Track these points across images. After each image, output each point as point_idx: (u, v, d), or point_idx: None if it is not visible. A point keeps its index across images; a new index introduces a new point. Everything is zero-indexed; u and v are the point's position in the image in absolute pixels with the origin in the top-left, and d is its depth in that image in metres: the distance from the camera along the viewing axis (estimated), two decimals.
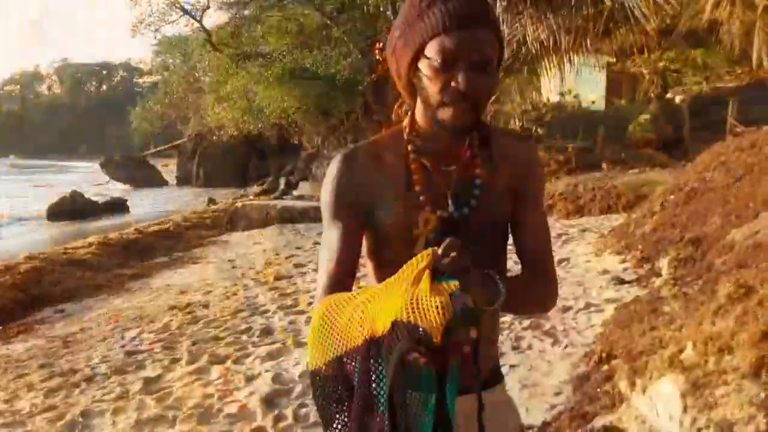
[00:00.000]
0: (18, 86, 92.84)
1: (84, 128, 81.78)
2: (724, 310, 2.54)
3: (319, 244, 7.37)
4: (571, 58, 8.20)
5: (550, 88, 11.81)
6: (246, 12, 30.57)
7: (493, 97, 1.28)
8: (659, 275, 5.46)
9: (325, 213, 1.34)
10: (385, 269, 1.32)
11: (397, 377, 0.99)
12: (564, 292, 5.41)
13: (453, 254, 1.04)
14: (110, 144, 66.70)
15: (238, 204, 15.38)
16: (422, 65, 1.21)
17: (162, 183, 37.08)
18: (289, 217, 13.41)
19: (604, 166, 13.74)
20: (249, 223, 13.54)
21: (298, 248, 9.92)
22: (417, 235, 1.27)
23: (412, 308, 0.99)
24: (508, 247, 1.39)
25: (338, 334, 1.10)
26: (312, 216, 13.59)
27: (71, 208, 21.21)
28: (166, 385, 4.26)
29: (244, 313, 6.10)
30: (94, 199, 23.06)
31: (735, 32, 8.47)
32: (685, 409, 1.99)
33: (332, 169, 1.33)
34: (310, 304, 6.20)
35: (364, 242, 1.36)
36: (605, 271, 6.12)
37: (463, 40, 1.16)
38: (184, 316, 6.23)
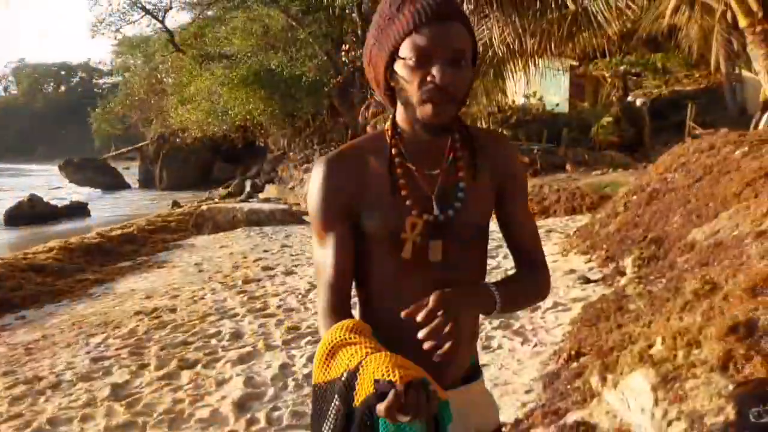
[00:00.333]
0: None
1: (41, 130, 79.81)
2: (690, 305, 2.62)
3: (287, 246, 7.34)
4: (536, 61, 8.33)
5: (515, 90, 11.96)
6: (209, 12, 30.31)
7: (469, 93, 1.29)
8: (624, 274, 5.57)
9: (316, 223, 1.32)
10: (373, 275, 1.34)
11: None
12: None
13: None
14: (69, 146, 65.23)
15: (204, 207, 15.21)
16: (398, 67, 1.22)
17: (124, 186, 36.44)
18: (256, 220, 13.33)
19: (568, 167, 13.99)
20: (215, 226, 13.41)
21: (265, 251, 9.85)
22: (404, 239, 1.28)
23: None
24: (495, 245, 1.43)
25: (336, 363, 1.13)
26: (279, 218, 13.53)
27: (29, 213, 20.72)
28: (135, 391, 4.18)
29: (212, 317, 6.03)
30: (53, 203, 22.56)
31: (693, 37, 8.70)
32: (656, 402, 2.05)
33: (317, 175, 1.31)
34: (279, 307, 6.17)
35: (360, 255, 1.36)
36: (571, 271, 6.22)
37: (434, 36, 1.18)
38: (151, 321, 6.14)
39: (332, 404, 1.10)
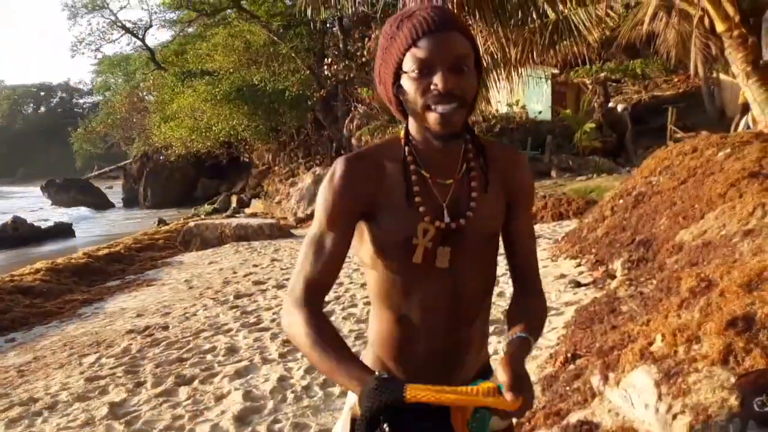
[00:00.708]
0: None
1: (22, 152, 78.93)
2: (687, 303, 2.67)
3: (277, 260, 7.35)
4: (519, 69, 8.43)
5: (498, 99, 12.09)
6: (190, 30, 30.33)
7: (477, 97, 1.32)
8: (614, 277, 5.63)
9: (322, 214, 1.33)
10: (385, 278, 1.36)
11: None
12: None
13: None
14: (50, 167, 64.67)
15: (191, 223, 15.15)
16: (403, 81, 1.26)
17: (108, 205, 36.17)
18: (244, 235, 13.31)
19: (553, 173, 14.12)
20: (203, 242, 13.37)
21: (255, 266, 9.84)
22: (416, 244, 1.31)
23: None
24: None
25: None
26: (267, 233, 13.51)
27: (13, 235, 20.50)
28: (133, 409, 4.16)
29: (206, 333, 6.01)
30: (37, 224, 22.34)
31: (671, 42, 8.85)
32: (659, 397, 2.09)
33: (335, 171, 1.33)
34: (273, 320, 6.16)
35: (365, 250, 1.38)
36: (562, 276, 6.27)
37: (433, 46, 1.21)
38: (144, 339, 6.11)
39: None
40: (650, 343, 2.40)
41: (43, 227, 22.07)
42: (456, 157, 1.35)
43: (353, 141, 17.99)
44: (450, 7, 7.04)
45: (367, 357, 1.43)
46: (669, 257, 5.05)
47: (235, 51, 24.04)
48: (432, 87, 1.22)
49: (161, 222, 20.92)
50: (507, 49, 7.75)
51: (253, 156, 28.45)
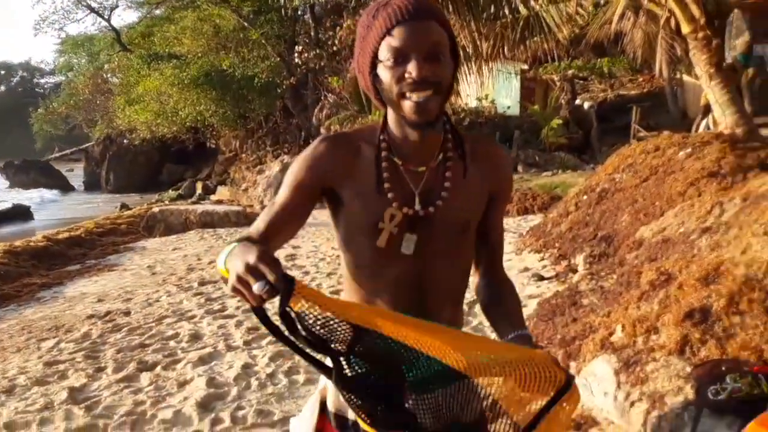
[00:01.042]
0: None
1: None
2: (647, 295, 2.75)
3: None
4: (490, 64, 8.50)
5: (468, 92, 12.17)
6: (157, 12, 29.75)
7: (453, 85, 1.34)
8: (576, 271, 5.75)
9: (290, 177, 1.38)
10: (354, 261, 1.39)
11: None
12: None
13: None
14: (9, 148, 62.85)
15: (155, 209, 14.92)
16: (379, 70, 1.27)
17: (68, 188, 35.37)
18: (209, 222, 13.18)
19: (519, 168, 14.27)
20: (167, 228, 13.19)
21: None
22: (381, 229, 1.33)
23: None
24: None
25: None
26: (233, 220, 13.40)
27: None
28: (94, 395, 4.10)
29: (169, 319, 5.95)
30: None
31: (638, 42, 9.03)
32: (618, 386, 2.16)
33: (314, 146, 1.39)
34: (238, 308, 6.12)
35: (338, 233, 1.42)
36: (526, 269, 6.37)
37: (407, 35, 1.22)
38: (105, 324, 6.02)
39: None
40: (611, 334, 2.47)
41: (0, 209, 21.52)
42: (433, 145, 1.37)
43: (322, 130, 17.88)
44: None
45: None
46: (629, 253, 5.17)
47: (204, 35, 23.67)
48: (407, 75, 1.22)
49: (124, 207, 20.55)
50: (478, 43, 7.80)
51: (219, 142, 28.09)
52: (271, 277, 1.04)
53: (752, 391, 1.74)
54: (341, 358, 1.13)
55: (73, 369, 4.65)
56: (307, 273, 7.24)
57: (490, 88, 14.94)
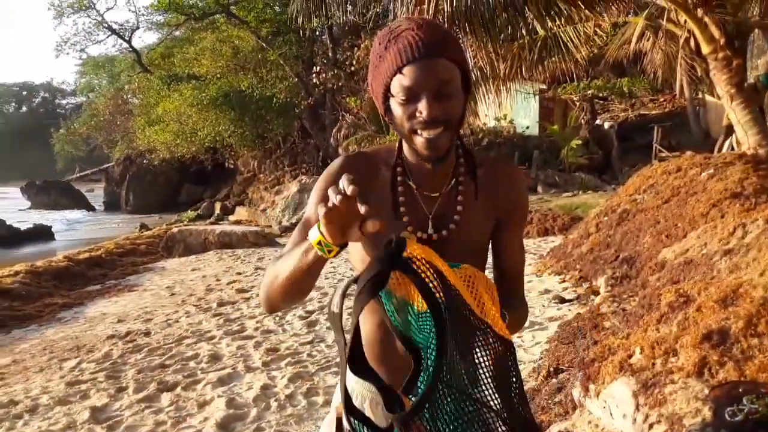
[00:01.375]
0: None
1: (1, 152, 77.99)
2: (666, 317, 2.74)
3: (260, 268, 7.37)
4: (507, 84, 8.53)
5: (486, 113, 12.21)
6: (177, 33, 30.24)
7: (464, 117, 1.36)
8: (598, 293, 5.71)
9: (315, 195, 1.39)
10: None
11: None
12: None
13: None
14: (30, 168, 63.88)
15: (174, 229, 15.04)
16: (391, 102, 1.28)
17: (88, 209, 35.82)
18: (228, 242, 13.25)
19: (539, 189, 14.25)
20: (186, 248, 13.29)
21: (239, 273, 9.80)
22: None
23: None
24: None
25: None
26: (252, 241, 13.47)
27: None
28: (115, 414, 4.13)
29: (189, 340, 5.98)
30: (16, 225, 22.09)
31: (658, 62, 9.02)
32: (637, 408, 2.15)
33: (335, 164, 1.42)
34: (257, 329, 6.16)
35: (352, 254, 1.44)
36: (546, 291, 6.33)
37: (418, 74, 1.22)
38: (125, 344, 6.06)
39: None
40: (630, 356, 2.46)
41: (22, 229, 21.82)
42: (446, 171, 1.39)
43: (340, 150, 18.01)
44: (440, 20, 7.12)
45: None
46: (652, 275, 5.13)
47: (223, 56, 24.03)
48: (417, 114, 1.24)
49: (143, 227, 20.75)
50: (496, 64, 7.84)
51: (238, 163, 28.35)
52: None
53: None
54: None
55: (95, 389, 4.69)
56: (325, 294, 7.26)
57: (509, 108, 14.97)
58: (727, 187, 5.72)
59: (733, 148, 8.90)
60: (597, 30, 7.95)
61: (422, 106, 1.22)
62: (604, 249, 6.61)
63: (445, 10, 6.99)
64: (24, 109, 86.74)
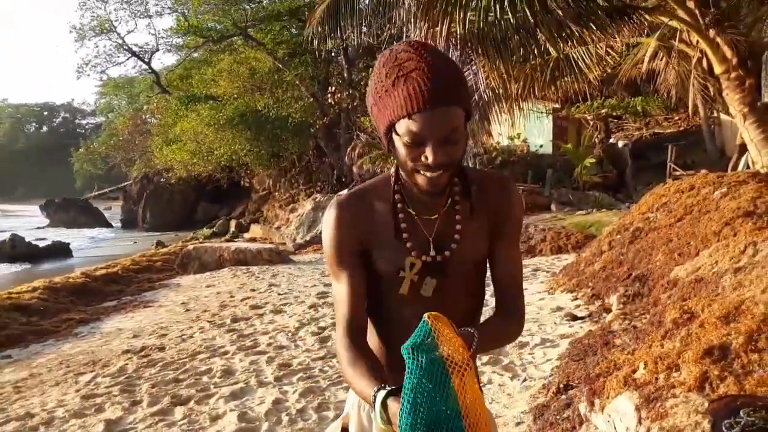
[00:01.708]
0: None
1: (22, 170, 79.21)
2: (670, 333, 2.76)
3: (274, 285, 7.41)
4: (520, 104, 8.59)
5: (499, 131, 12.27)
6: (196, 55, 30.74)
7: (464, 155, 1.39)
8: (609, 311, 5.70)
9: (331, 262, 1.44)
10: (375, 304, 1.47)
11: None
12: None
13: None
14: (49, 186, 64.79)
15: (190, 246, 15.18)
16: (395, 138, 1.29)
17: (106, 226, 36.24)
18: (242, 259, 13.34)
19: (553, 207, 14.24)
20: (201, 265, 13.39)
21: (253, 290, 9.88)
22: (402, 276, 1.41)
23: None
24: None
25: None
26: (266, 258, 13.55)
27: (11, 253, 20.57)
28: (129, 427, 4.19)
29: (202, 355, 6.05)
30: (35, 242, 22.41)
31: (671, 82, 9.05)
32: (639, 421, 2.18)
33: (329, 218, 1.43)
34: (270, 344, 6.21)
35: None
36: (558, 308, 6.33)
37: (427, 123, 1.22)
38: (140, 359, 6.14)
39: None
40: (634, 371, 2.49)
41: (40, 246, 22.13)
42: (442, 195, 1.41)
43: (354, 169, 18.14)
44: (453, 43, 7.21)
45: None
46: (663, 293, 5.13)
47: (240, 77, 24.38)
48: (423, 158, 1.26)
49: (159, 244, 20.96)
50: (508, 85, 7.92)
51: (253, 181, 28.61)
52: None
53: (766, 426, 1.76)
54: None
55: (110, 402, 4.76)
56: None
57: (522, 127, 15.03)
58: (740, 206, 5.72)
59: (748, 167, 8.87)
60: (609, 51, 8.00)
61: (428, 152, 1.24)
62: (617, 267, 6.60)
63: (458, 32, 7.08)
64: (45, 129, 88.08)
